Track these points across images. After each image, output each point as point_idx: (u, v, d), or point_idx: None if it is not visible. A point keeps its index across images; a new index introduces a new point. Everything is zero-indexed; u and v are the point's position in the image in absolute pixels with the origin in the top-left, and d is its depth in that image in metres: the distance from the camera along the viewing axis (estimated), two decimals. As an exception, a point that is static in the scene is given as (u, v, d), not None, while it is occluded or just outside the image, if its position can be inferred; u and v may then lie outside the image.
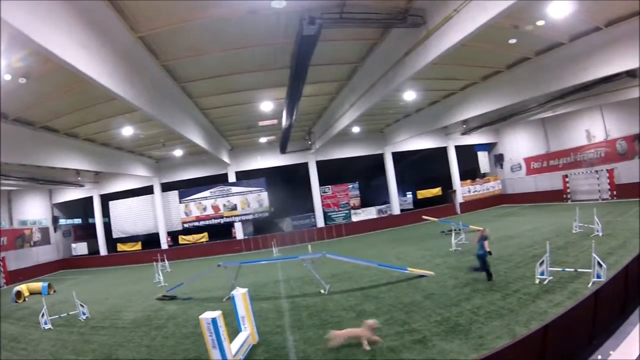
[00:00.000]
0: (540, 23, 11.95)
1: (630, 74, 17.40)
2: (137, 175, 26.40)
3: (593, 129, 24.68)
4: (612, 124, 23.44)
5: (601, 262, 8.73)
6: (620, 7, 11.58)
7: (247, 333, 8.08)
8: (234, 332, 8.12)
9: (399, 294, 10.38)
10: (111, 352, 9.05)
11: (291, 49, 10.28)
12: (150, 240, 29.89)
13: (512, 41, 13.51)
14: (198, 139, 18.04)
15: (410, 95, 18.54)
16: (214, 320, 6.98)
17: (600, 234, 13.80)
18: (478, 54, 14.47)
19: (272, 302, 11.50)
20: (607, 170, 23.71)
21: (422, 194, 31.62)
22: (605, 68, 13.65)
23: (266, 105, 17.12)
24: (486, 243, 10.38)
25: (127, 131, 17.83)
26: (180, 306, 12.58)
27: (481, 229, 11.24)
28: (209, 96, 15.46)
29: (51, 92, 12.18)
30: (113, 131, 18.01)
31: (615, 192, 23.34)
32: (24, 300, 17.88)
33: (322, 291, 11.71)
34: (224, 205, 28.33)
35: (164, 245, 28.58)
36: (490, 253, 10.52)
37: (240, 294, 8.35)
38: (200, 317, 7.20)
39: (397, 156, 31.33)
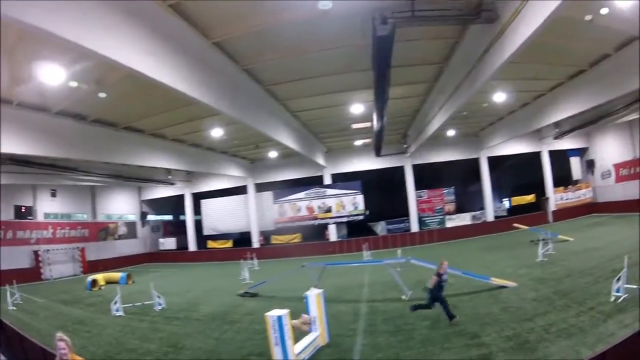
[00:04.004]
0: (604, 11, 10.09)
1: None
2: (231, 175, 27.82)
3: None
4: None
5: None
6: None
7: (317, 334, 8.14)
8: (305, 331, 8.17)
9: (477, 304, 9.96)
10: (178, 341, 9.54)
11: (370, 50, 10.13)
12: (241, 239, 31.25)
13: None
14: (289, 142, 18.36)
15: (499, 97, 17.46)
16: (279, 318, 7.07)
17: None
18: (557, 52, 13.22)
19: (351, 305, 11.52)
20: None
21: (516, 200, 30.14)
22: None
23: (356, 108, 16.95)
24: (435, 278, 8.73)
25: (217, 133, 18.43)
26: (260, 303, 12.85)
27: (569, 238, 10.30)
28: (297, 99, 15.65)
29: (130, 95, 12.94)
30: (202, 132, 18.71)
31: None
32: (100, 288, 19.37)
33: (404, 297, 11.52)
34: (319, 207, 28.61)
35: (256, 244, 29.65)
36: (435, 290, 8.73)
37: (314, 295, 8.40)
38: (266, 314, 7.30)
39: (491, 161, 29.74)
